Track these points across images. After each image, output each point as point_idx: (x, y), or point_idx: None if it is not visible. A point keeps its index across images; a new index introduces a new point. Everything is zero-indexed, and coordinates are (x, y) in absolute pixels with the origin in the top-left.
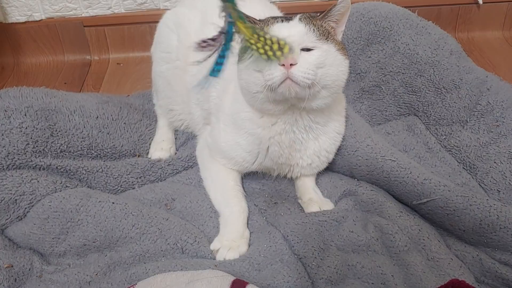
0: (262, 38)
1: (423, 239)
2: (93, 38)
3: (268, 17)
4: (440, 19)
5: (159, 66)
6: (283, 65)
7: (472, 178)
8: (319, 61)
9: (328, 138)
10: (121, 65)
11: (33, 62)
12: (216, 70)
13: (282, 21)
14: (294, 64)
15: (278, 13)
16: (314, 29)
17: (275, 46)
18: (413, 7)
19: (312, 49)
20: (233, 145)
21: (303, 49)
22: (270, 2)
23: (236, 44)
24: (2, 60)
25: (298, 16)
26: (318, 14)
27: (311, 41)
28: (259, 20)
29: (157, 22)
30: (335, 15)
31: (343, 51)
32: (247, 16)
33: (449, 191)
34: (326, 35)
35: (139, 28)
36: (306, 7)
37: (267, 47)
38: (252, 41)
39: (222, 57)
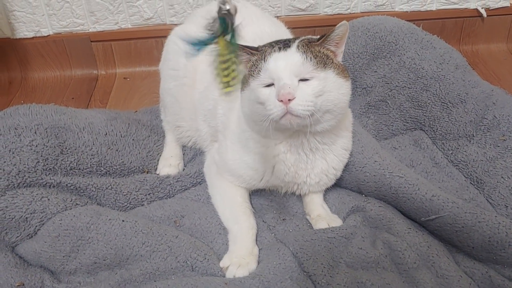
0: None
1: (432, 256)
2: (100, 53)
3: (266, 45)
4: (444, 32)
5: (167, 83)
6: (281, 100)
7: (480, 193)
8: (317, 90)
9: (336, 156)
10: (128, 79)
11: (41, 77)
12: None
13: (280, 49)
14: (293, 99)
15: (285, 30)
16: (311, 57)
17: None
18: (417, 20)
19: (310, 79)
20: (240, 163)
21: (301, 79)
22: (276, 17)
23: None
24: (10, 75)
25: (296, 42)
26: (318, 38)
27: (308, 71)
28: (258, 49)
29: (164, 36)
30: (334, 39)
31: (343, 73)
32: (246, 46)
33: (457, 207)
34: (324, 61)
35: (146, 43)
36: (311, 21)
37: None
38: (221, 62)
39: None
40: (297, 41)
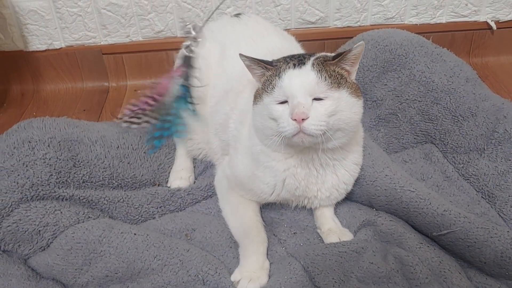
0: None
1: (444, 271)
2: (111, 65)
3: (281, 60)
4: (454, 44)
5: None
6: (295, 119)
7: (491, 207)
8: (330, 110)
9: (347, 171)
10: (138, 91)
11: (53, 89)
12: (155, 146)
13: (294, 66)
14: (306, 118)
15: (295, 44)
16: (326, 77)
17: None
18: (427, 33)
19: (323, 99)
20: (251, 176)
21: (315, 99)
22: (286, 30)
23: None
24: (22, 87)
25: (311, 60)
26: (333, 56)
27: (322, 91)
28: (272, 64)
29: (174, 49)
30: (351, 58)
31: (356, 92)
32: (261, 61)
33: (469, 222)
34: (339, 80)
35: (156, 55)
36: (321, 33)
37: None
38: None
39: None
40: (312, 58)
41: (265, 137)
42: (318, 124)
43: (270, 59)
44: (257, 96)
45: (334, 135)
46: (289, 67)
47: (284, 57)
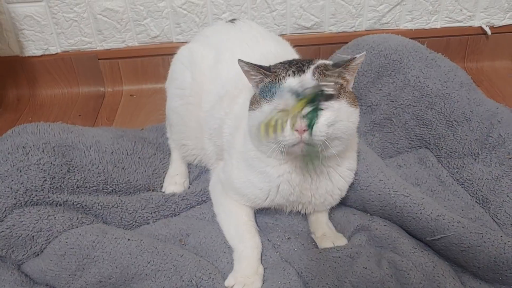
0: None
1: (438, 276)
2: (107, 70)
3: (279, 67)
4: (449, 50)
5: (173, 102)
6: (297, 130)
7: (485, 212)
8: (330, 120)
9: (341, 177)
10: (134, 96)
11: (49, 94)
12: None
13: (294, 74)
14: (307, 129)
15: (290, 49)
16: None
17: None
18: (422, 38)
19: (323, 109)
20: (245, 182)
21: None
22: (281, 35)
23: None
24: (18, 92)
25: (312, 69)
26: (333, 64)
27: (323, 101)
28: (271, 71)
29: (170, 54)
30: (352, 68)
31: (354, 101)
32: (260, 66)
33: (463, 227)
34: (338, 90)
35: (152, 61)
36: (316, 39)
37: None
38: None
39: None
40: (312, 67)
41: (260, 143)
42: (319, 135)
43: (266, 65)
44: (254, 102)
45: (332, 143)
46: (288, 75)
47: (281, 62)
